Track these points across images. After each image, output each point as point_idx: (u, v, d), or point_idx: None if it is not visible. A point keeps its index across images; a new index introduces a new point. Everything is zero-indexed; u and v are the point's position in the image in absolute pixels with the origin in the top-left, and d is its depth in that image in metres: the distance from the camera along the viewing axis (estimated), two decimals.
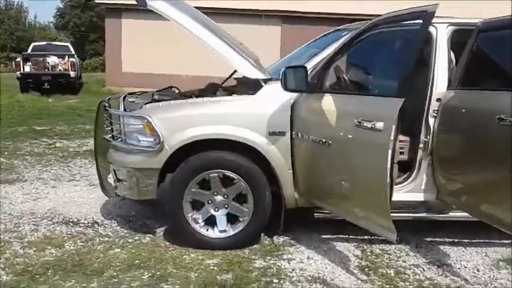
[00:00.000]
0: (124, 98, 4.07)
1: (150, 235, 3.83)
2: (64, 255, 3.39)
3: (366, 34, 3.28)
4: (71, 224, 4.04)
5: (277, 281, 3.10)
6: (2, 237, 3.69)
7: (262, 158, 3.49)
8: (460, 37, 3.55)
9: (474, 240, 3.78)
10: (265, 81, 3.58)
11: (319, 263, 3.37)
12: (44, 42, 20.67)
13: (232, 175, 3.49)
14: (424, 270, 3.31)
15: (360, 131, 2.96)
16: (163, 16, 3.52)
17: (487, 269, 3.36)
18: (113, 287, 2.98)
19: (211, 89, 4.28)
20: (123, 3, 16.25)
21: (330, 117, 3.16)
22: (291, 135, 3.44)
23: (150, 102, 3.79)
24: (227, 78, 4.76)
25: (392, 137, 2.77)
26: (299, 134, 3.39)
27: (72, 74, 15.58)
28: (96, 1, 17.38)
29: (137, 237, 3.78)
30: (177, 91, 4.57)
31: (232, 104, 3.57)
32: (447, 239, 3.81)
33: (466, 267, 3.37)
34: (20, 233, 3.79)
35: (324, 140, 3.18)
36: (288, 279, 3.12)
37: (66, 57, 15.96)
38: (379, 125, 2.78)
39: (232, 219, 3.61)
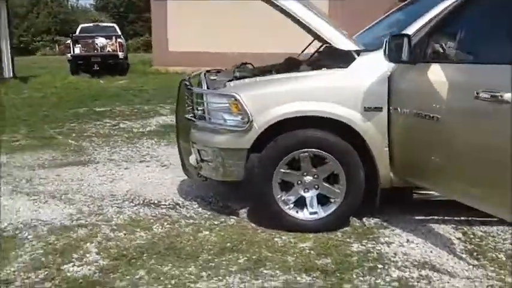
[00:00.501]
0: (205, 75, 3.94)
1: (234, 217, 3.73)
2: (154, 238, 3.33)
3: None
4: (152, 205, 3.99)
5: (381, 266, 2.93)
6: (89, 220, 3.67)
7: (354, 136, 3.30)
8: None
9: None
10: (358, 52, 3.35)
11: (422, 247, 3.17)
12: (91, 24, 20.89)
13: (323, 154, 3.32)
14: None
15: (480, 103, 2.69)
16: None
17: None
18: (210, 272, 2.89)
19: (292, 64, 4.08)
20: None
21: (440, 90, 2.90)
22: (388, 110, 3.22)
23: (233, 79, 3.65)
24: (304, 50, 4.53)
25: None
26: (399, 109, 3.17)
27: (120, 54, 15.70)
28: None
29: (222, 219, 3.68)
30: (251, 67, 4.41)
31: (324, 79, 3.37)
32: None
33: None
34: (105, 215, 3.76)
35: (431, 115, 2.94)
36: (393, 265, 2.94)
37: (114, 38, 16.10)
38: (508, 96, 2.51)
39: (322, 200, 3.45)
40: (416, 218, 3.64)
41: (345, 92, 3.27)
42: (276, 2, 3.36)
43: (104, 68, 15.37)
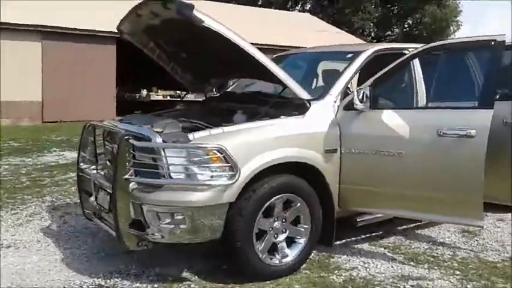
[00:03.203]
0: (144, 128, 3.41)
1: (189, 282, 3.35)
2: None
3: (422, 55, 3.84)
4: None
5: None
6: None
7: (314, 177, 3.55)
8: None
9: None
10: (309, 101, 3.65)
11: (381, 265, 3.67)
12: None
13: (294, 197, 3.44)
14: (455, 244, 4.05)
15: (443, 139, 3.42)
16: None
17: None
18: None
19: (209, 111, 3.94)
20: None
21: (401, 131, 3.52)
22: (341, 151, 3.64)
23: (190, 130, 3.35)
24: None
25: (486, 142, 3.29)
26: (353, 150, 3.61)
27: None
28: None
29: None
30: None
31: (292, 126, 3.51)
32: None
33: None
34: None
35: (392, 152, 3.52)
36: (385, 284, 3.34)
37: None
38: (473, 131, 3.32)
39: (287, 242, 3.53)
40: (338, 243, 4.11)
41: (311, 137, 3.52)
42: (249, 51, 3.31)
43: None
